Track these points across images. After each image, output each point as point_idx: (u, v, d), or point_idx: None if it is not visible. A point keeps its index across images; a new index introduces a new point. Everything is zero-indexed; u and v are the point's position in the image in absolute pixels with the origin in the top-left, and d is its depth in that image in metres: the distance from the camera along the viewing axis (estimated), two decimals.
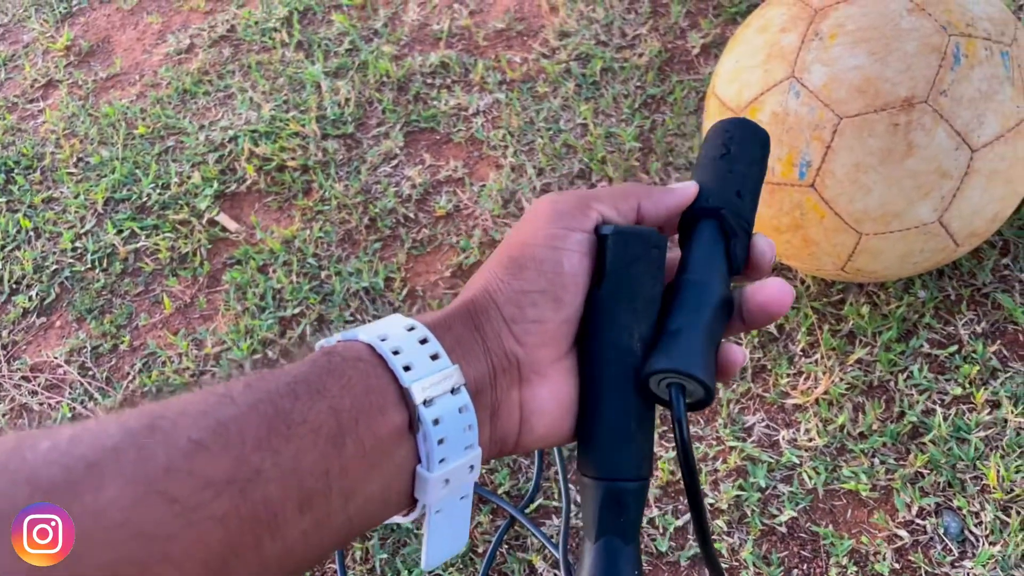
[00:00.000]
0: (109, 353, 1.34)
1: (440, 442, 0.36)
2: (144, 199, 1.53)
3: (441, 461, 0.37)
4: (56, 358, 1.34)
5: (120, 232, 1.49)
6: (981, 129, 0.89)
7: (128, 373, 1.31)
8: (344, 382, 0.35)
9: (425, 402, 0.36)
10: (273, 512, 0.32)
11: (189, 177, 1.54)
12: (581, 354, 0.41)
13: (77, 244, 1.49)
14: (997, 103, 0.90)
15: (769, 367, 1.11)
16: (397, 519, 0.38)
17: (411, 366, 0.36)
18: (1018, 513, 0.95)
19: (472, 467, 0.38)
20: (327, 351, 0.37)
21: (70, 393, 1.30)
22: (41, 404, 1.30)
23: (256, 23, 1.80)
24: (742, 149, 0.46)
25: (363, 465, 0.35)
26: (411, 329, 0.38)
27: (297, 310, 1.32)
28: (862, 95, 0.90)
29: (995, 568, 0.92)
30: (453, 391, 0.37)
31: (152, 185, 1.55)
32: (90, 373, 1.32)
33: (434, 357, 0.37)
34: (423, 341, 0.37)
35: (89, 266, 1.46)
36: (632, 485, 0.40)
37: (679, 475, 1.05)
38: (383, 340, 0.37)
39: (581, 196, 0.42)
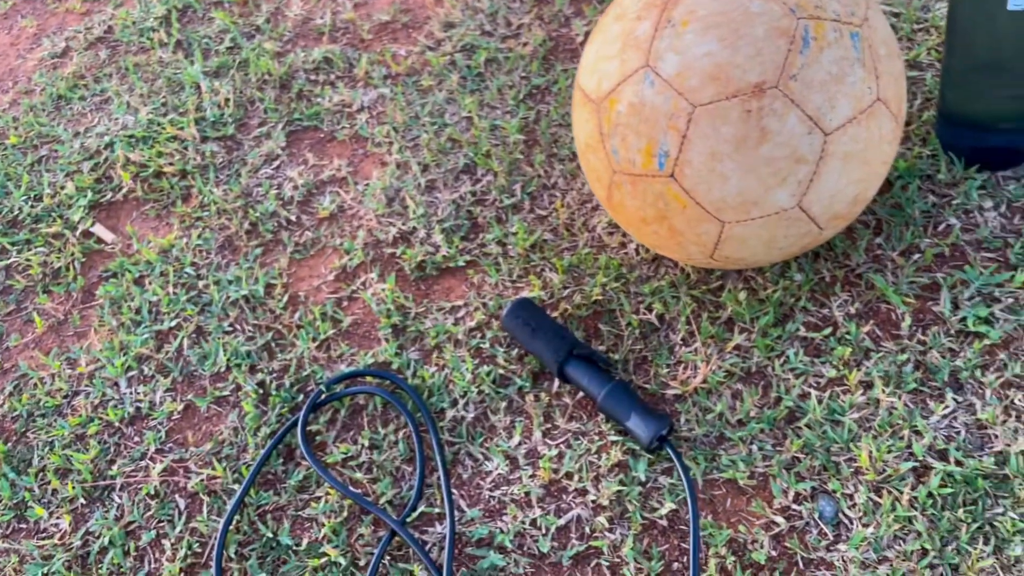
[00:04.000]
0: None
1: None
2: (16, 213, 1.46)
3: None
4: None
5: None
6: (833, 112, 0.89)
7: None
8: None
9: None
10: None
11: (63, 187, 1.48)
12: None
13: None
14: (848, 85, 0.89)
15: (650, 358, 1.10)
16: None
17: None
18: (889, 493, 0.95)
19: None
20: None
21: None
22: None
23: (134, 23, 1.73)
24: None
25: None
26: None
27: (174, 323, 1.27)
28: (714, 82, 0.89)
29: (868, 550, 0.93)
30: None
31: (24, 198, 1.48)
32: None
33: None
34: None
35: None
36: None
37: (561, 473, 1.03)
38: None
39: None
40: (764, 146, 0.88)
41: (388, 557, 1.01)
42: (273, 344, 1.22)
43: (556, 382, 1.11)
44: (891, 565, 0.91)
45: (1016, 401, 1.00)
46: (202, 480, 1.11)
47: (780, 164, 0.89)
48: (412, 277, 1.26)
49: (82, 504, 1.12)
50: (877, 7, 0.96)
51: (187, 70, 1.60)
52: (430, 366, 1.16)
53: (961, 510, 0.93)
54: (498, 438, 1.08)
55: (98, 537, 1.09)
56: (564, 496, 1.03)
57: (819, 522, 0.96)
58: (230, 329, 1.25)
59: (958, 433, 0.99)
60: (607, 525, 1.00)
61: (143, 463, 1.14)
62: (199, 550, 1.05)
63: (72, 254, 1.38)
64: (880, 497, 0.96)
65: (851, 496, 0.97)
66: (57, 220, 1.43)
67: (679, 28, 0.91)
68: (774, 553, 0.95)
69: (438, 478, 1.06)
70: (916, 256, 1.11)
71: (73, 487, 1.12)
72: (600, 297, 1.17)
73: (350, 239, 1.32)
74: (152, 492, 1.11)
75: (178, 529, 1.07)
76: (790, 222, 0.94)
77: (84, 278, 1.36)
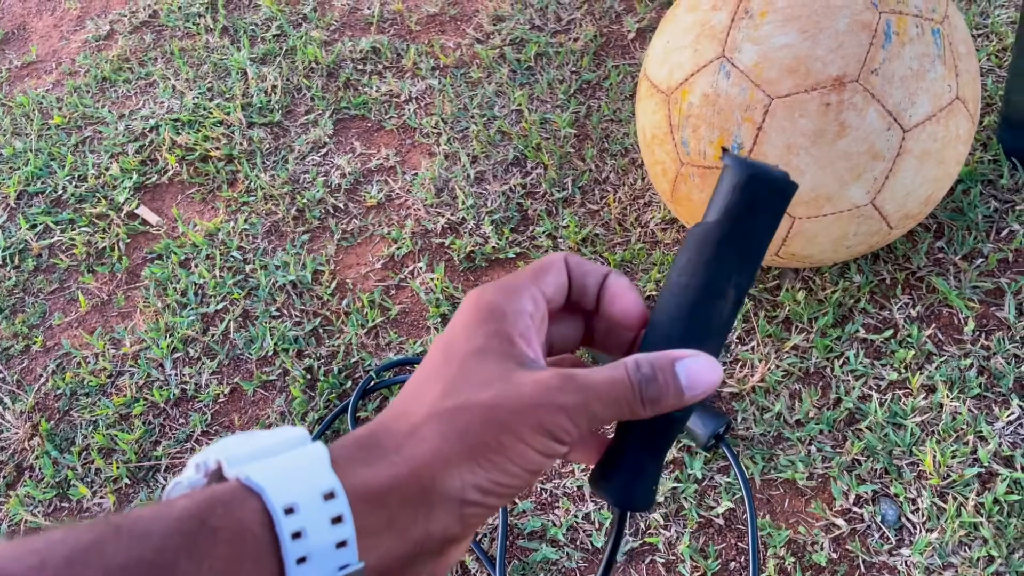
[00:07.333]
0: (21, 355, 1.27)
1: None
2: (59, 192, 1.46)
3: None
4: None
5: (33, 227, 1.42)
6: (913, 109, 0.88)
7: (40, 375, 1.24)
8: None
9: None
10: None
11: (107, 169, 1.47)
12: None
13: None
14: (929, 82, 0.88)
15: None
16: None
17: (308, 557, 0.30)
18: (954, 499, 0.94)
19: None
20: (204, 508, 0.29)
21: None
22: None
23: (179, 8, 1.73)
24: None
25: None
26: (329, 497, 0.31)
27: (220, 306, 1.26)
28: (793, 74, 0.87)
29: (932, 555, 0.91)
30: None
31: (68, 177, 1.47)
32: (0, 376, 1.25)
33: (341, 544, 0.31)
34: (336, 519, 0.31)
35: (0, 263, 1.38)
36: None
37: None
38: (289, 512, 0.30)
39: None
40: (842, 140, 0.87)
41: None
42: (321, 330, 1.21)
43: None
44: (956, 571, 0.90)
45: None
46: None
47: (857, 159, 0.88)
48: (461, 267, 1.25)
49: (126, 484, 1.11)
50: (955, 5, 0.95)
51: (233, 56, 1.59)
52: None
53: None
54: None
55: None
56: None
57: (881, 526, 0.94)
58: (277, 314, 1.24)
59: None
60: (662, 522, 0.98)
61: (188, 445, 1.13)
62: None
63: (117, 235, 1.37)
64: (944, 502, 0.94)
65: (914, 500, 0.95)
66: (102, 201, 1.43)
67: (757, 19, 0.90)
68: (835, 556, 0.93)
69: None
70: (979, 261, 1.10)
71: (117, 467, 1.11)
72: (654, 293, 1.15)
73: (398, 228, 1.31)
74: None
75: None
76: (862, 220, 0.93)
77: (129, 259, 1.35)
